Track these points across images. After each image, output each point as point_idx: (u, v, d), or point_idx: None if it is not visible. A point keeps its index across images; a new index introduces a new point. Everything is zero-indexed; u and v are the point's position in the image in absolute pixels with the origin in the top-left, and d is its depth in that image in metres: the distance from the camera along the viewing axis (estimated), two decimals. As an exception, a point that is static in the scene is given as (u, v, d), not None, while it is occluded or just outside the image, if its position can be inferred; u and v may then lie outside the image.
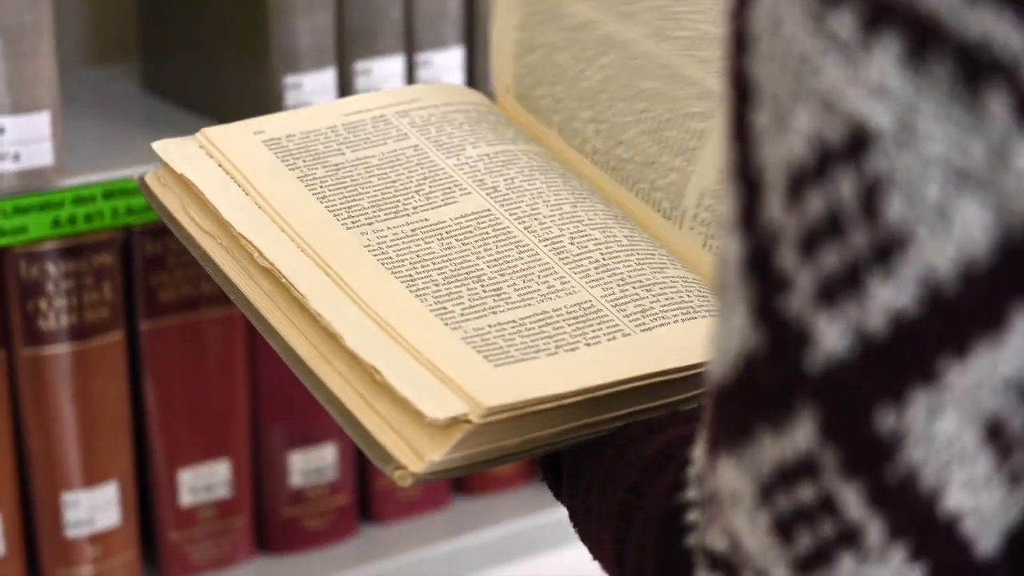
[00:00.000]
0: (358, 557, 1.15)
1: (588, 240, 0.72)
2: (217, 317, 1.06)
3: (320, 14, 1.03)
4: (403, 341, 0.65)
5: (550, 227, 0.72)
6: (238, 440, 1.10)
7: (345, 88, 1.06)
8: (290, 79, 1.03)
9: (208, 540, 1.11)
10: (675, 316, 0.68)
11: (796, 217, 0.43)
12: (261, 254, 0.69)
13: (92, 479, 1.04)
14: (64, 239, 0.98)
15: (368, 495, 1.18)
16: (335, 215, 0.72)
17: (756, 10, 0.43)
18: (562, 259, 0.70)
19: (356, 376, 0.64)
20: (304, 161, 0.75)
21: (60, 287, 0.99)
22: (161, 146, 0.76)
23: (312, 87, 1.03)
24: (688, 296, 0.69)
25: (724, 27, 0.45)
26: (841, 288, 0.42)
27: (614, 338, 0.66)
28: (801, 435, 0.44)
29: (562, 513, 1.18)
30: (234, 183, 0.73)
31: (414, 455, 0.61)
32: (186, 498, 1.09)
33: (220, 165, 0.74)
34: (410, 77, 1.08)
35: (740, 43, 0.44)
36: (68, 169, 0.96)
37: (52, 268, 0.99)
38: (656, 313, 0.68)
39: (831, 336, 0.42)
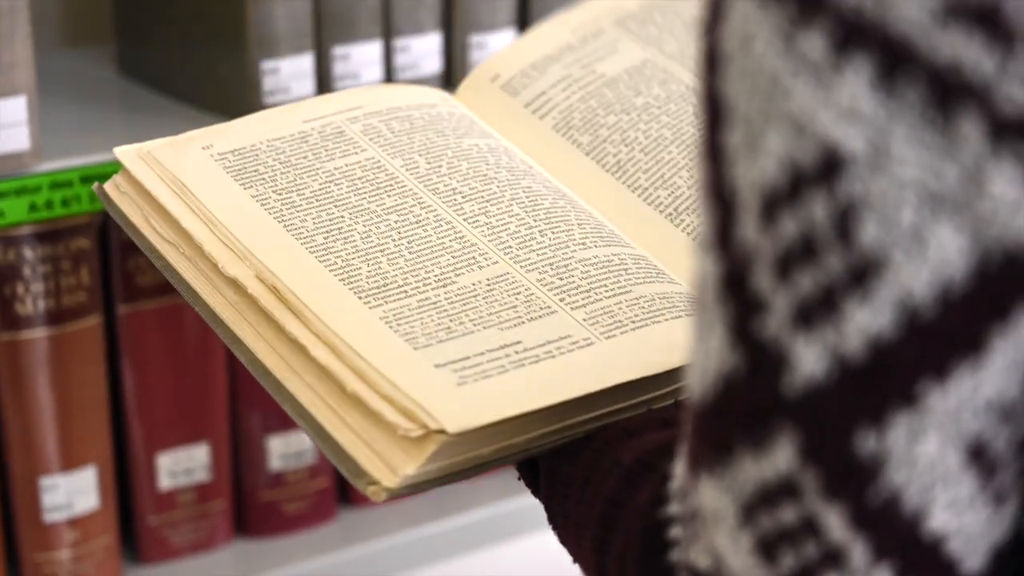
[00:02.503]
0: (338, 540, 1.15)
1: (561, 253, 0.71)
2: (195, 301, 1.07)
3: (297, -1, 1.03)
4: (366, 362, 0.63)
5: (520, 236, 0.72)
6: (217, 424, 1.10)
7: (323, 74, 1.06)
8: (267, 64, 1.03)
9: (187, 524, 1.11)
10: (643, 321, 0.68)
11: (771, 239, 0.42)
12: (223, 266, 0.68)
13: (70, 463, 1.04)
14: (41, 223, 0.98)
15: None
16: (291, 232, 0.70)
17: (727, 28, 0.42)
18: (525, 268, 0.70)
19: (326, 388, 0.63)
20: (258, 177, 0.73)
21: (37, 271, 0.99)
22: (123, 152, 0.74)
23: (290, 72, 1.03)
24: (660, 303, 0.69)
25: (698, 44, 0.45)
26: (818, 311, 0.42)
27: (582, 347, 0.65)
28: (781, 457, 0.43)
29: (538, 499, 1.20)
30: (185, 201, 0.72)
31: (387, 469, 0.60)
32: (165, 482, 1.09)
33: (169, 186, 0.72)
34: (388, 62, 1.08)
35: (712, 61, 0.43)
36: (45, 153, 0.96)
37: (29, 252, 0.99)
38: (623, 320, 0.67)
39: (809, 359, 0.42)
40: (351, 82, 1.06)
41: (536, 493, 0.67)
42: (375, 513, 1.18)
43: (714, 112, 0.44)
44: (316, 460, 1.15)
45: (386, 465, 0.60)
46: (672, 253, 0.73)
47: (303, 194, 0.72)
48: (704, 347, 0.45)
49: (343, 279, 0.68)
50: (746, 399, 0.44)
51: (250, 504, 1.14)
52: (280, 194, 0.72)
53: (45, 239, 0.99)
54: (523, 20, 1.13)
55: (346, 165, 0.75)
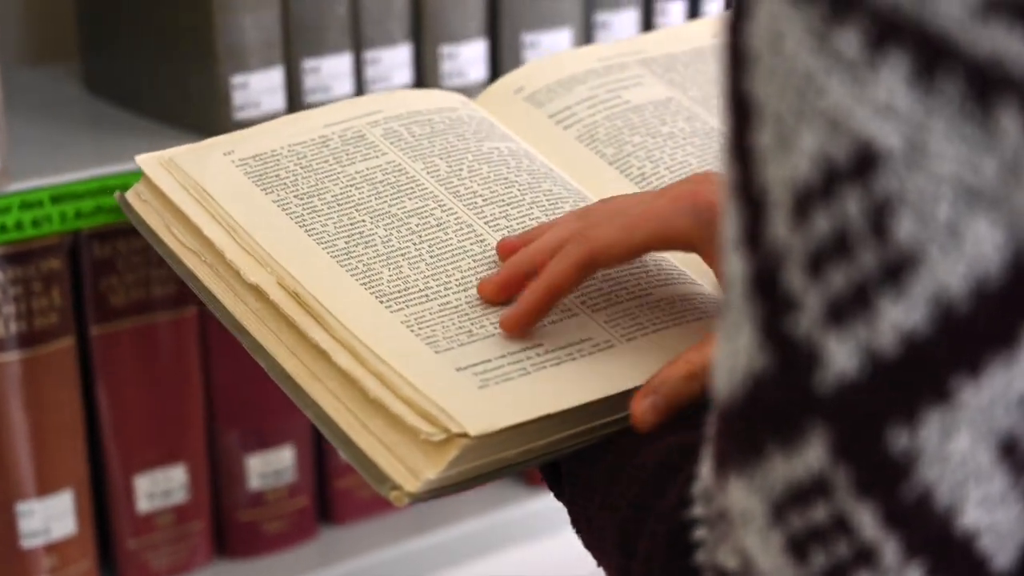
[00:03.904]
0: (318, 559, 1.14)
1: None
2: (170, 320, 1.05)
3: (266, 11, 1.02)
4: (388, 367, 0.63)
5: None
6: (194, 444, 1.09)
7: (293, 87, 1.05)
8: (237, 78, 1.02)
9: (166, 546, 1.09)
10: (664, 323, 0.67)
11: (802, 237, 0.42)
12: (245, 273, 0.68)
13: (46, 488, 1.02)
14: (11, 245, 0.97)
15: (327, 497, 1.17)
16: (313, 237, 0.70)
17: (754, 27, 0.42)
18: None
19: (348, 394, 0.63)
20: (279, 182, 0.73)
21: (8, 293, 0.98)
22: (144, 160, 0.74)
23: (260, 86, 1.03)
24: (680, 304, 0.69)
25: (720, 43, 0.44)
26: (850, 308, 0.42)
27: (603, 349, 0.65)
28: (812, 455, 0.43)
29: (522, 510, 1.19)
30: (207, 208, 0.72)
31: (409, 474, 0.60)
32: (143, 504, 1.08)
33: (191, 193, 0.72)
34: (358, 74, 1.07)
35: (738, 60, 0.43)
36: (14, 173, 0.95)
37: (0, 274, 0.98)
38: (644, 323, 0.67)
39: (841, 356, 0.42)
40: (322, 95, 1.05)
41: (559, 496, 0.67)
42: (356, 531, 1.17)
43: (741, 111, 0.43)
44: (295, 478, 1.13)
45: (408, 470, 0.60)
46: (692, 256, 0.73)
47: (324, 198, 0.72)
48: (732, 347, 0.45)
49: (364, 284, 0.68)
50: (776, 398, 0.44)
51: (229, 524, 1.13)
52: (301, 199, 0.72)
53: (15, 260, 0.98)
54: (493, 31, 1.13)
55: (367, 169, 0.75)
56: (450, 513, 1.19)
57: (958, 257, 0.40)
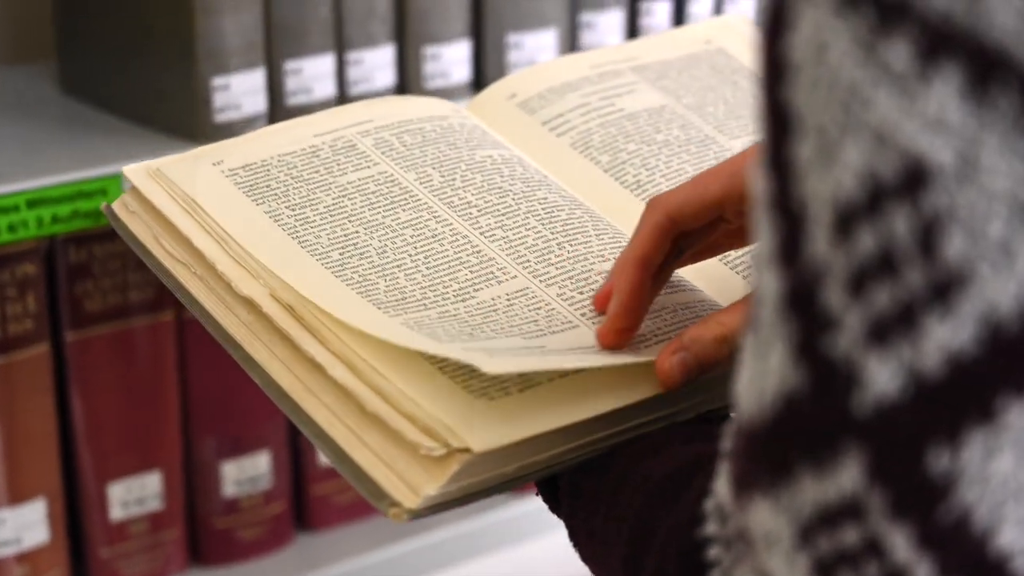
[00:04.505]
0: (295, 566, 1.13)
1: (582, 259, 0.70)
2: (146, 325, 1.03)
3: (247, 12, 1.00)
4: (386, 380, 0.62)
5: (538, 249, 0.70)
6: (169, 451, 1.07)
7: (275, 88, 1.03)
8: (218, 80, 1.00)
9: (140, 555, 1.08)
10: (666, 334, 0.66)
11: (844, 254, 0.41)
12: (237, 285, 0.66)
13: (18, 496, 1.00)
14: (-15, 250, 0.95)
15: (304, 502, 1.15)
16: (306, 248, 0.69)
17: (795, 37, 0.41)
18: (544, 283, 0.68)
19: (344, 408, 0.61)
20: (270, 192, 0.72)
21: (-18, 300, 0.96)
22: (131, 170, 0.72)
23: (241, 88, 1.01)
24: (682, 313, 0.68)
25: (757, 54, 0.43)
26: (894, 327, 0.40)
27: (604, 362, 0.64)
28: (846, 477, 0.42)
29: (502, 515, 1.18)
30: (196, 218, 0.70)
31: (408, 490, 0.58)
32: (116, 512, 1.06)
33: (180, 204, 0.70)
34: (341, 76, 1.05)
35: (777, 71, 0.42)
36: (-12, 177, 0.93)
37: (-27, 281, 0.95)
38: (645, 334, 0.66)
39: (882, 377, 0.41)
40: (304, 97, 1.03)
41: (555, 510, 0.65)
42: (333, 537, 1.16)
43: (779, 122, 0.42)
44: (271, 484, 1.12)
45: (407, 486, 0.58)
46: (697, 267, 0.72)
47: (316, 209, 0.71)
48: (761, 365, 0.44)
49: (360, 295, 0.66)
50: (810, 418, 0.42)
51: (204, 532, 1.11)
52: (293, 210, 0.71)
53: (-11, 265, 0.96)
54: (477, 31, 1.11)
55: (359, 179, 0.73)
56: (428, 519, 1.16)
57: (1009, 275, 0.39)
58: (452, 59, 1.09)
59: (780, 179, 0.42)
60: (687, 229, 0.65)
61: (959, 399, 0.41)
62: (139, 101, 1.04)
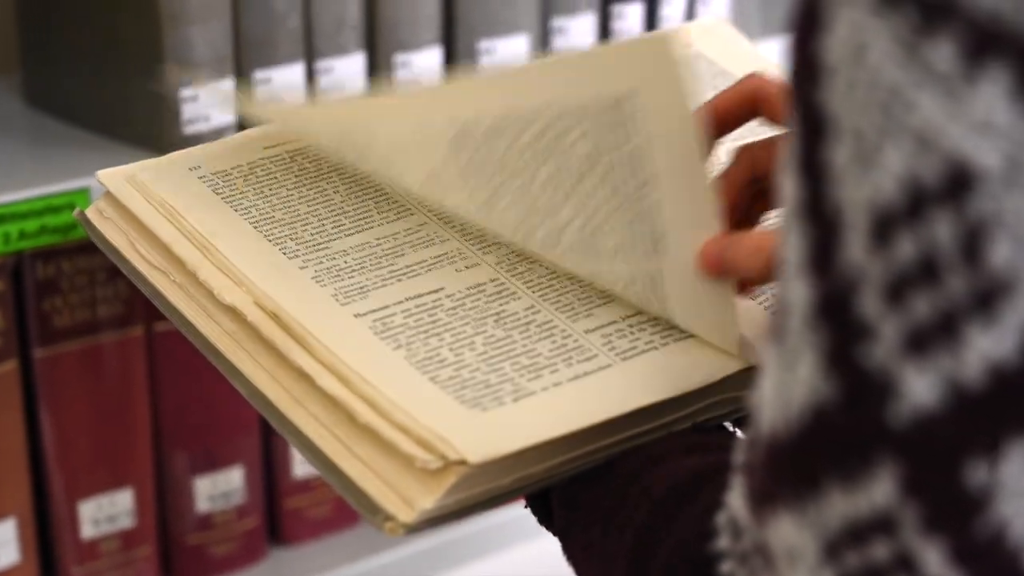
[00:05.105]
0: (269, 582, 1.12)
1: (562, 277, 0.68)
2: (115, 340, 1.02)
3: (215, 23, 0.98)
4: (377, 390, 0.60)
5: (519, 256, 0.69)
6: (141, 467, 1.06)
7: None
8: (186, 91, 0.98)
9: (112, 573, 1.06)
10: (654, 343, 0.65)
11: (882, 261, 0.40)
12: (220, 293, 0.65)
13: (-12, 516, 0.99)
14: (-49, 267, 0.93)
15: (277, 517, 1.14)
16: (289, 255, 0.67)
17: (831, 38, 0.40)
18: (533, 289, 0.67)
19: (333, 419, 0.60)
20: (249, 199, 0.70)
21: (-52, 318, 0.94)
22: (106, 175, 0.70)
23: (210, 99, 0.99)
24: (665, 323, 0.67)
25: (789, 55, 0.42)
26: (933, 337, 0.39)
27: (598, 370, 0.63)
28: (879, 490, 0.41)
29: (474, 527, 1.17)
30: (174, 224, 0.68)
31: (402, 503, 0.57)
32: (88, 530, 1.04)
33: (159, 210, 0.69)
34: (312, 85, 1.04)
35: (810, 73, 0.41)
36: (-46, 193, 0.91)
37: (-61, 298, 0.94)
38: (639, 344, 0.65)
39: (920, 387, 0.40)
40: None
41: (547, 525, 0.64)
42: (307, 551, 1.15)
43: (812, 126, 0.41)
44: (244, 500, 1.10)
45: (401, 499, 0.57)
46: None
47: (296, 214, 0.70)
48: (788, 376, 0.42)
49: (345, 304, 0.65)
50: (842, 430, 0.41)
51: (177, 548, 1.10)
52: (273, 215, 0.69)
53: (-45, 283, 0.94)
54: (448, 39, 1.10)
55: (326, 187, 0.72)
56: (403, 531, 1.16)
57: None
58: (424, 66, 1.08)
59: (812, 184, 0.41)
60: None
61: (1000, 410, 0.39)
62: (106, 113, 1.02)
